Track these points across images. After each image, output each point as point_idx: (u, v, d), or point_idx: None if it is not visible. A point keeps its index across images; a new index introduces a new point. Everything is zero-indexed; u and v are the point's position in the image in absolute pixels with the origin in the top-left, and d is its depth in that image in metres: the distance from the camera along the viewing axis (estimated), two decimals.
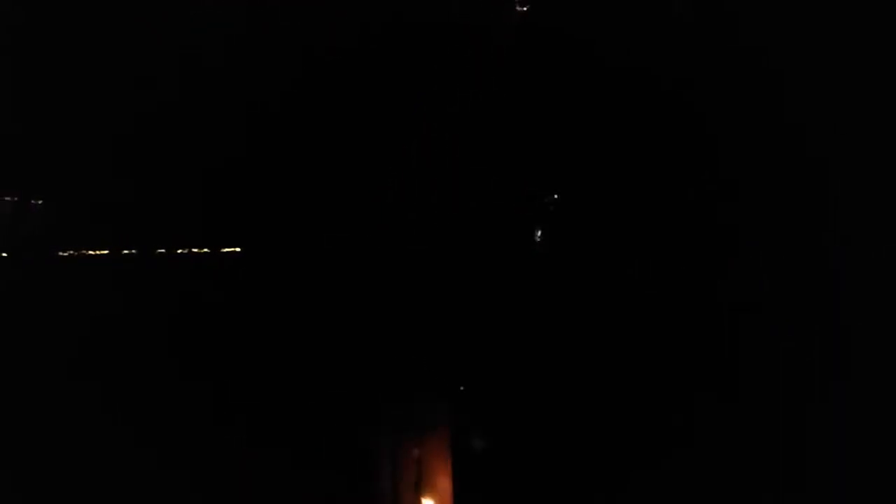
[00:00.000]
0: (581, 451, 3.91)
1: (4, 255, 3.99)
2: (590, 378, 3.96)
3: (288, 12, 4.21)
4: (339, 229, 4.19)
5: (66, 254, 4.01)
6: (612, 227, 4.07)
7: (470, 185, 4.20)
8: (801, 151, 3.89)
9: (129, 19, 4.14)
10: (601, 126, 4.13)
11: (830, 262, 3.80)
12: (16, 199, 4.07)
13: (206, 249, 4.12)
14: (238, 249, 4.14)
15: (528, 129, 4.18)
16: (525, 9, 4.26)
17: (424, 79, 4.23)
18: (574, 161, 4.15)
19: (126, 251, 4.07)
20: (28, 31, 4.09)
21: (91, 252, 4.04)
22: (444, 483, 3.90)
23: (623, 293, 4.00)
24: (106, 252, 4.05)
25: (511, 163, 4.18)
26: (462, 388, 3.99)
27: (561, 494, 3.87)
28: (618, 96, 4.13)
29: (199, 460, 3.77)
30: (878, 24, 3.77)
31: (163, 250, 4.10)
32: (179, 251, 4.10)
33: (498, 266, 4.11)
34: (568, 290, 4.07)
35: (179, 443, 3.79)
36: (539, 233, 4.18)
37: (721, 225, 3.97)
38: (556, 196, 4.16)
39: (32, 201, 4.10)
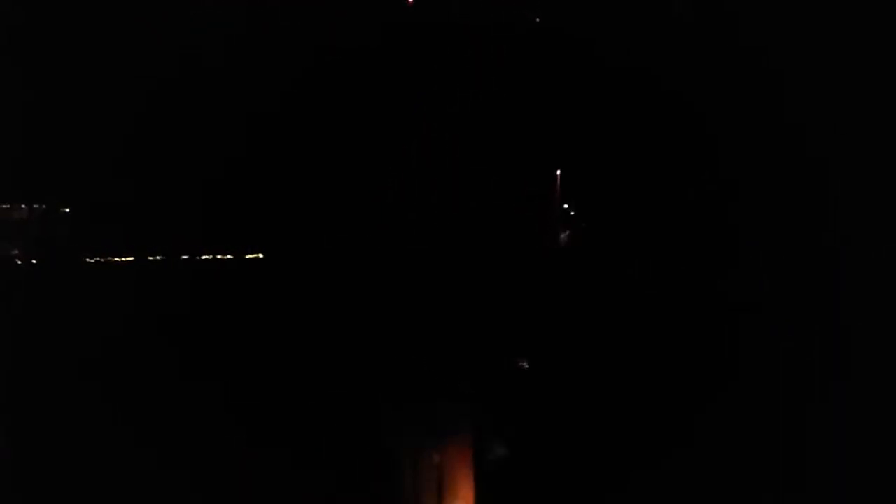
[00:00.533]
0: (594, 453, 3.93)
1: (34, 262, 4.22)
2: (599, 380, 3.99)
3: (288, 14, 4.33)
4: (355, 233, 4.30)
5: (92, 260, 4.22)
6: (613, 227, 4.12)
7: (470, 185, 4.27)
8: (801, 151, 3.89)
9: (159, 34, 4.31)
10: (601, 126, 4.17)
11: (830, 262, 3.80)
12: (44, 207, 4.29)
13: (229, 256, 4.28)
14: (260, 256, 4.29)
15: (528, 130, 4.24)
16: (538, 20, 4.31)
17: (424, 79, 4.32)
18: (574, 161, 4.20)
19: (151, 258, 4.25)
20: (56, 48, 4.29)
21: (117, 259, 4.23)
22: (466, 489, 3.92)
23: (623, 293, 4.04)
24: (131, 259, 4.24)
25: (511, 163, 4.24)
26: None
27: (579, 498, 3.90)
28: (618, 97, 4.17)
29: (213, 460, 3.85)
30: (878, 25, 3.73)
31: (186, 257, 4.26)
32: (204, 258, 4.26)
33: (512, 270, 4.17)
34: (574, 290, 4.13)
35: (198, 445, 3.88)
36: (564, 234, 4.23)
37: (721, 225, 3.99)
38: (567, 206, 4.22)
39: (61, 209, 4.32)
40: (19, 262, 4.20)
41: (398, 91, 4.34)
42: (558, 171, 4.31)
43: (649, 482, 3.83)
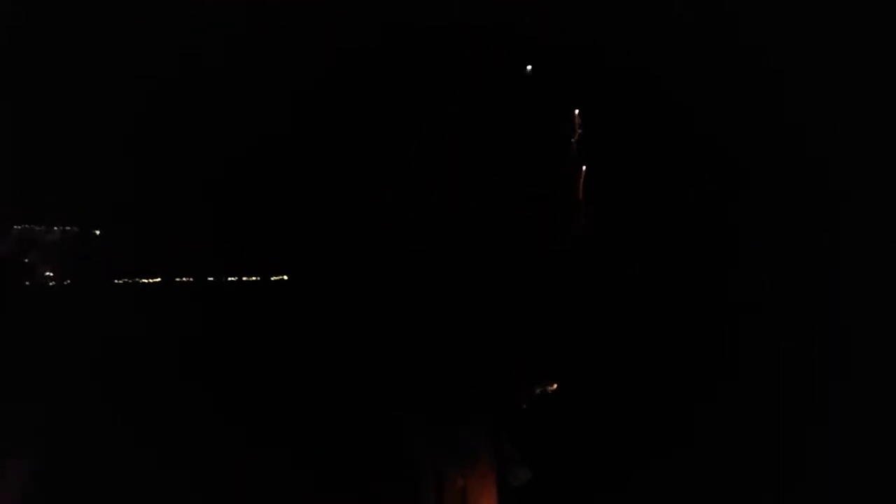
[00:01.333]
0: (602, 454, 3.99)
1: (67, 282, 4.46)
2: (610, 387, 4.03)
3: (290, 17, 4.40)
4: (378, 253, 4.39)
5: (120, 281, 4.44)
6: (614, 227, 4.15)
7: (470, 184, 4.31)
8: (801, 152, 3.87)
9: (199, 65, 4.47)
10: (603, 127, 4.19)
11: (830, 262, 3.79)
12: (76, 229, 4.51)
13: (255, 277, 4.46)
14: (285, 277, 4.46)
15: (528, 130, 4.27)
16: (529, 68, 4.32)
17: (425, 79, 4.36)
18: (575, 162, 4.23)
19: (178, 279, 4.43)
20: (90, 79, 4.46)
21: (144, 280, 4.44)
22: None
23: (629, 295, 4.09)
24: (158, 280, 4.43)
25: (511, 163, 4.27)
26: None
27: None
28: (620, 98, 4.17)
29: (234, 475, 3.99)
30: (878, 26, 3.67)
31: (212, 278, 4.43)
32: (230, 279, 4.42)
33: (531, 280, 4.23)
34: (586, 295, 4.18)
35: (227, 458, 4.03)
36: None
37: (721, 225, 4.00)
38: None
39: (92, 232, 4.54)
40: (52, 283, 4.45)
41: (411, 96, 4.39)
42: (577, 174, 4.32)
43: (657, 483, 3.87)
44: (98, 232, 4.51)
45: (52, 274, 4.43)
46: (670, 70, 4.08)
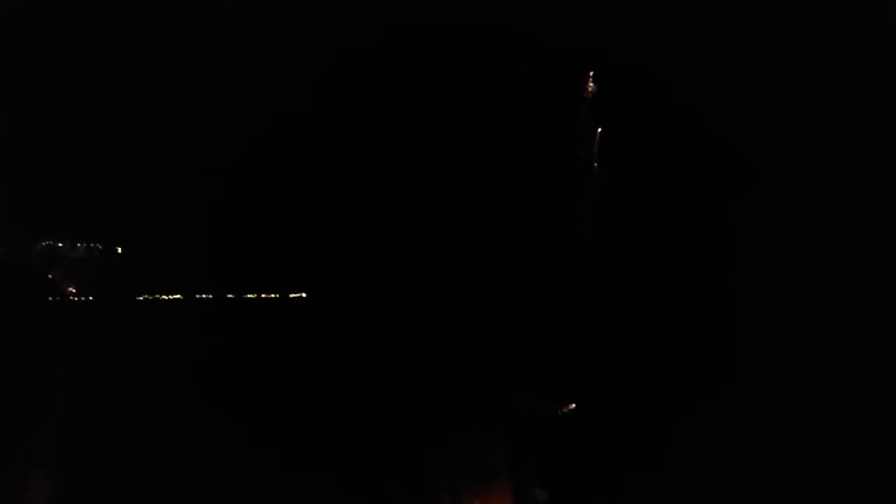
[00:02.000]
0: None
1: (90, 297, 4.56)
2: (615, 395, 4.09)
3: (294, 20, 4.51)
4: (394, 269, 4.47)
5: (141, 298, 4.53)
6: (615, 227, 4.27)
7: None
8: (802, 152, 3.99)
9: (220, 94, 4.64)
10: (605, 128, 4.32)
11: (832, 261, 3.89)
12: (100, 247, 4.62)
13: (274, 294, 4.56)
14: (303, 294, 4.55)
15: (533, 131, 4.39)
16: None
17: (427, 80, 4.46)
18: (577, 162, 4.34)
19: (198, 296, 4.51)
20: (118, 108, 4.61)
21: (165, 297, 4.54)
22: None
23: (642, 312, 4.16)
24: (179, 297, 4.53)
25: (518, 166, 4.39)
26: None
27: None
28: (622, 98, 4.31)
29: (250, 482, 4.08)
30: (878, 27, 3.82)
31: (231, 295, 4.52)
32: (249, 296, 4.51)
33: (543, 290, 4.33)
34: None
35: (244, 462, 4.09)
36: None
37: (722, 225, 4.10)
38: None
39: (114, 248, 4.63)
40: (75, 298, 4.53)
41: (416, 98, 4.48)
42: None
43: (650, 483, 3.90)
44: (120, 249, 4.62)
45: (74, 289, 4.52)
46: (674, 72, 4.18)
